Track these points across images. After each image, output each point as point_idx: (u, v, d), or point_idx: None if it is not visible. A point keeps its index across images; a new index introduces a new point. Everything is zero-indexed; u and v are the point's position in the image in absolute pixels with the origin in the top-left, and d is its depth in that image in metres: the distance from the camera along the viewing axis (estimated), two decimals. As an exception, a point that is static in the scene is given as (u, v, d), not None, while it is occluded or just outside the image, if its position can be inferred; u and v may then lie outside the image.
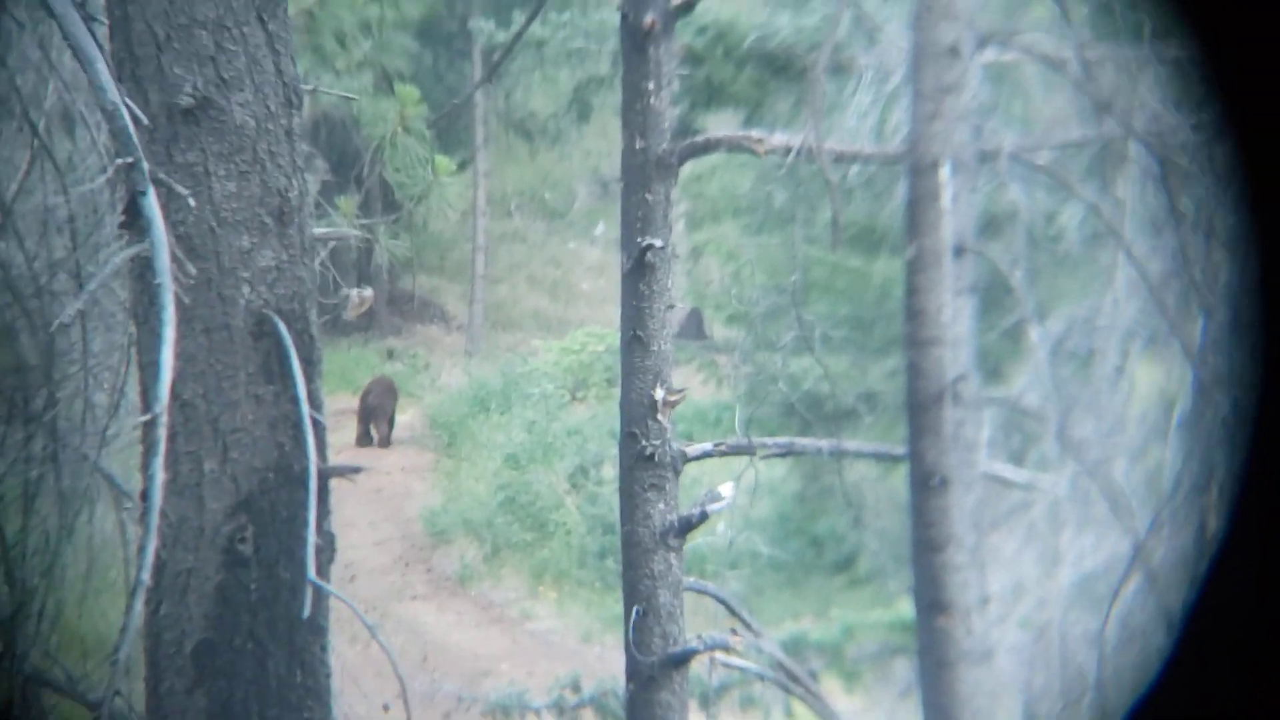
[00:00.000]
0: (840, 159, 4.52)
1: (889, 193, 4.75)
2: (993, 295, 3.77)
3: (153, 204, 3.51)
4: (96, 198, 5.35)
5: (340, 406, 14.80)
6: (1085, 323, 3.83)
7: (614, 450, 5.33)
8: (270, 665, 4.33)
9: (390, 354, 18.27)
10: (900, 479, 3.96)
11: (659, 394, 4.69)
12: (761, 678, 4.94)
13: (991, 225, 3.90)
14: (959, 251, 3.59)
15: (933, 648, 3.65)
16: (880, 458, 5.53)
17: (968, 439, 3.60)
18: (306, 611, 4.16)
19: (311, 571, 4.20)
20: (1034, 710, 3.85)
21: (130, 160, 3.45)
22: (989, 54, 3.69)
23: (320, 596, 4.38)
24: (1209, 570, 3.21)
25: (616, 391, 4.90)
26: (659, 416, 4.71)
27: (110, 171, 3.80)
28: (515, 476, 14.33)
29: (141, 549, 3.46)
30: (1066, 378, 3.82)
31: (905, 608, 7.08)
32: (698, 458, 4.93)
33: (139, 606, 3.52)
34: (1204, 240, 3.37)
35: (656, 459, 4.74)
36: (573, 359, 17.21)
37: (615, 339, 5.18)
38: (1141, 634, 3.41)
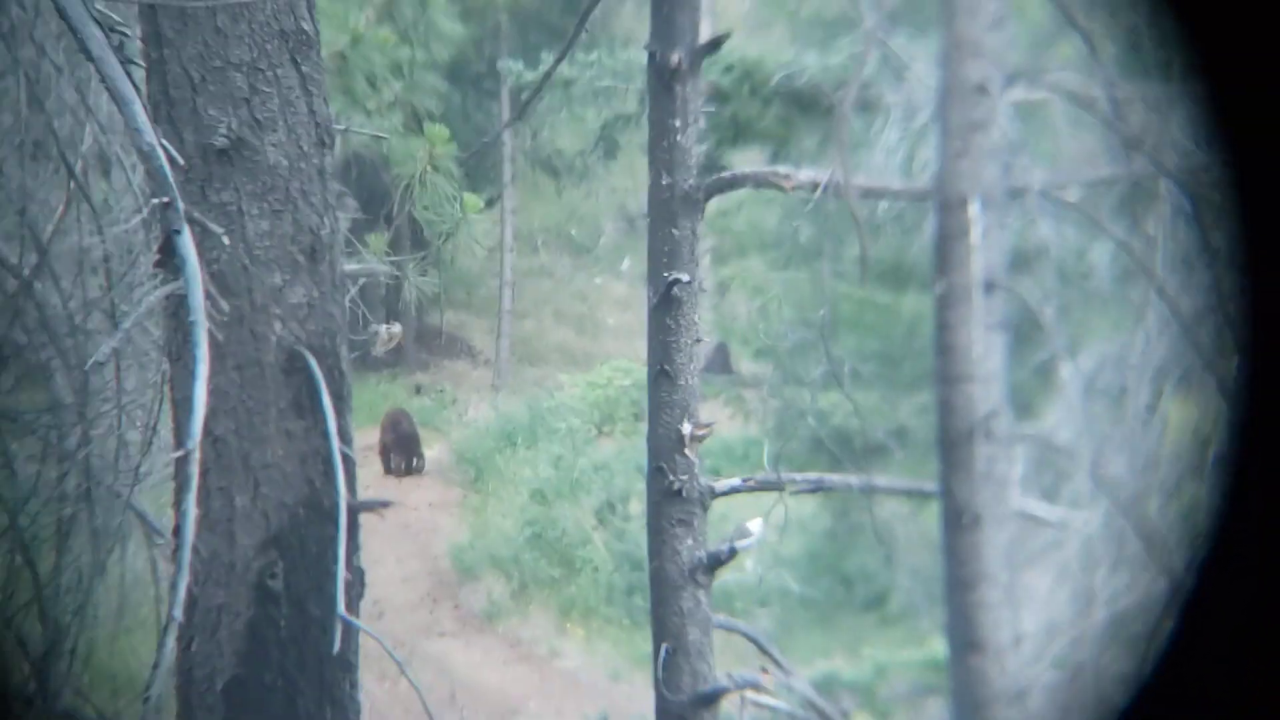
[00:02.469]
0: (868, 195, 4.52)
1: (917, 228, 4.74)
2: (1023, 331, 3.76)
3: (188, 243, 3.55)
4: (131, 238, 5.42)
5: (369, 441, 14.86)
6: (1117, 360, 3.81)
7: (641, 485, 5.32)
8: (300, 702, 4.33)
9: (418, 389, 18.34)
10: (932, 516, 3.93)
11: (686, 428, 4.68)
12: (793, 717, 4.89)
13: (1021, 261, 3.89)
14: (989, 287, 3.57)
15: (966, 687, 3.61)
16: (911, 494, 5.49)
17: (1000, 476, 3.58)
18: (336, 647, 4.17)
19: (341, 607, 4.20)
20: (1069, 751, 3.80)
21: (166, 200, 3.50)
22: (1017, 92, 3.69)
23: (350, 632, 4.38)
24: (1245, 606, 3.17)
25: (643, 426, 4.90)
26: (686, 451, 4.70)
27: (145, 211, 3.86)
28: (542, 512, 14.32)
29: (174, 585, 3.47)
30: (1099, 415, 3.80)
31: (938, 646, 7.01)
32: (726, 493, 4.91)
33: (171, 643, 3.52)
34: (1238, 278, 3.35)
35: (684, 494, 4.72)
36: (599, 393, 17.21)
37: (642, 373, 5.18)
38: (1178, 674, 3.36)
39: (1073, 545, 3.81)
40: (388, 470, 15.61)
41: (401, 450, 15.71)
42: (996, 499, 3.59)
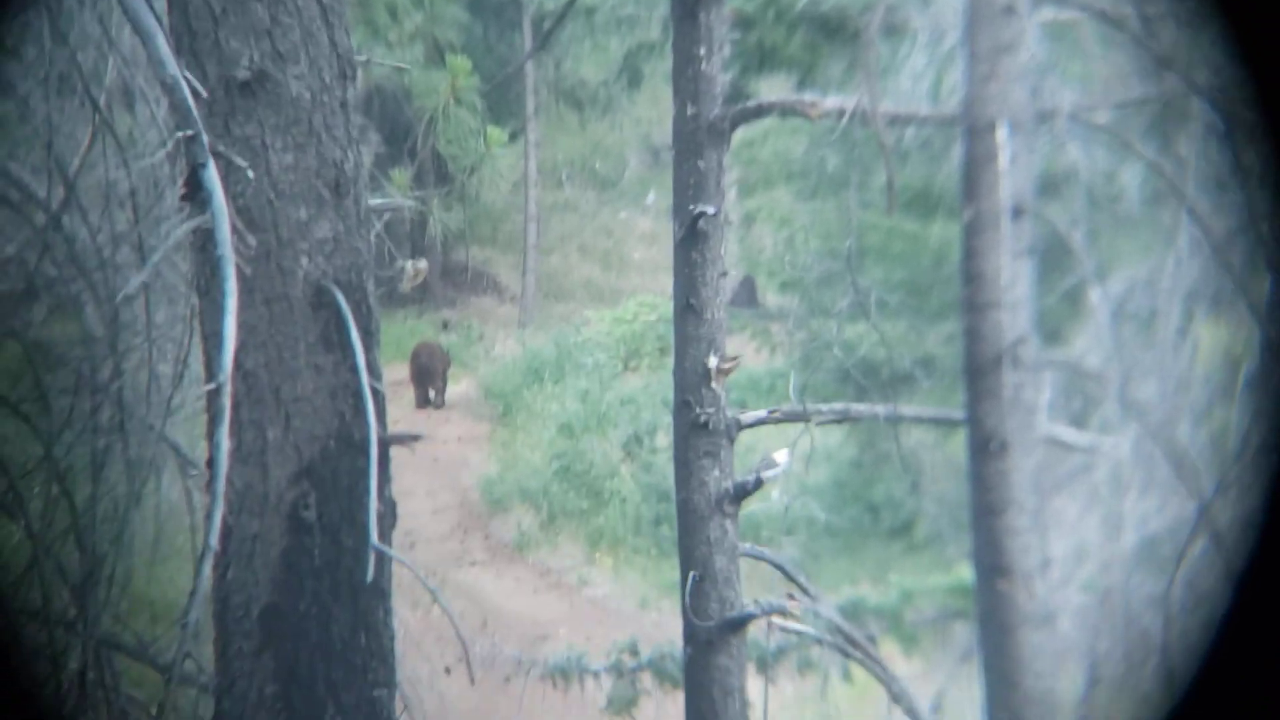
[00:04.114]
0: (895, 121, 4.46)
1: (945, 155, 4.69)
2: (1052, 257, 3.73)
3: (213, 176, 3.56)
4: (157, 171, 5.43)
5: (397, 377, 14.98)
6: (1147, 283, 3.77)
7: (668, 419, 5.33)
8: (335, 629, 4.40)
9: (445, 325, 18.42)
10: (958, 444, 3.93)
11: (713, 362, 4.68)
12: (819, 642, 4.94)
13: (1050, 186, 3.84)
14: (1017, 213, 3.54)
15: (993, 612, 3.64)
16: (938, 422, 5.49)
17: (1027, 402, 3.57)
18: (370, 576, 4.22)
19: (374, 537, 4.25)
20: (1098, 674, 3.83)
21: (190, 133, 3.50)
22: (1046, 12, 3.63)
23: (382, 562, 4.44)
24: (1274, 532, 3.16)
25: (669, 360, 4.91)
26: (713, 384, 4.71)
27: (170, 145, 3.84)
28: (570, 445, 14.42)
29: (208, 516, 3.53)
30: (1128, 339, 3.77)
31: (964, 572, 7.05)
32: (752, 425, 4.93)
33: (206, 571, 3.59)
34: (1271, 197, 3.31)
35: (711, 426, 4.74)
36: (625, 328, 17.24)
37: (668, 308, 5.17)
38: (1208, 597, 3.38)
39: (1102, 470, 3.81)
40: (423, 401, 15.84)
41: (418, 382, 15.92)
42: (1024, 425, 3.58)
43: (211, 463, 3.53)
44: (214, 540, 3.43)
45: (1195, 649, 3.37)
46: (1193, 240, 3.68)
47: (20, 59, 5.14)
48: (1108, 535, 3.75)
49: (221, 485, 3.49)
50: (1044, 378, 3.68)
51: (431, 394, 16.02)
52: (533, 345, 17.63)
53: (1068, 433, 3.83)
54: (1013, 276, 3.56)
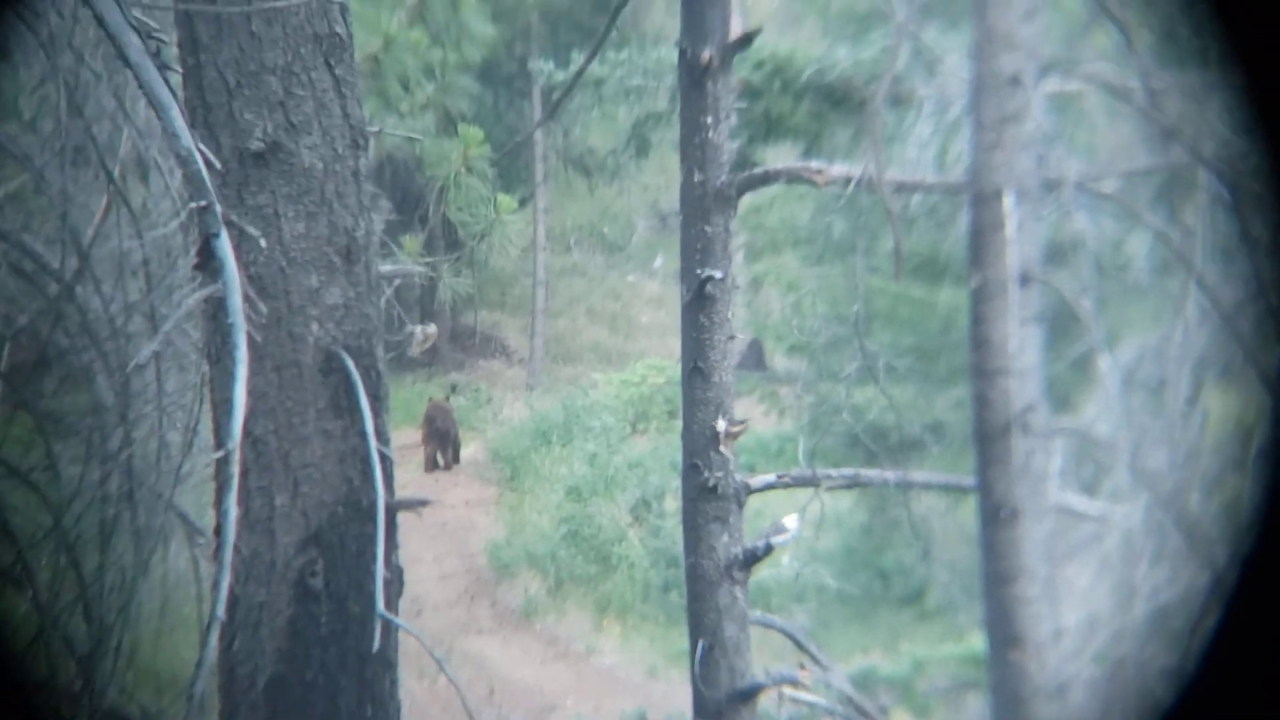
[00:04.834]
0: (901, 189, 4.50)
1: (951, 222, 4.72)
2: (1060, 324, 3.73)
3: (225, 246, 3.58)
4: (170, 241, 5.48)
5: (405, 441, 14.96)
6: (1156, 351, 3.77)
7: (676, 483, 5.31)
8: (341, 700, 4.37)
9: (453, 388, 18.45)
10: (969, 510, 3.91)
11: (721, 425, 4.67)
12: (831, 713, 4.88)
13: (1057, 254, 3.86)
14: (1025, 280, 3.55)
15: (1005, 682, 3.59)
16: (948, 489, 5.46)
17: (1037, 470, 3.55)
18: (376, 645, 4.19)
19: (381, 605, 4.23)
20: (1111, 746, 3.77)
21: (204, 204, 3.53)
22: (1052, 83, 3.66)
23: (389, 630, 4.41)
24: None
25: (677, 423, 4.90)
26: (721, 448, 4.70)
27: (184, 215, 3.90)
28: (578, 509, 14.36)
29: (216, 584, 3.50)
30: (1138, 407, 3.76)
31: (976, 641, 6.98)
32: (761, 489, 4.90)
33: (213, 641, 3.56)
34: (1279, 267, 3.31)
35: (719, 491, 4.72)
36: (633, 391, 17.25)
37: (675, 371, 5.18)
38: (1221, 668, 3.33)
39: (1113, 539, 3.78)
40: (433, 464, 15.83)
41: (430, 442, 15.92)
42: (1035, 493, 3.56)
43: (219, 531, 3.53)
44: (220, 610, 3.41)
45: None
46: (1201, 309, 3.68)
47: (37, 132, 5.22)
48: (1120, 605, 3.72)
49: (229, 554, 3.48)
50: (1054, 445, 3.66)
51: (440, 460, 15.99)
52: (540, 408, 17.63)
53: (1079, 501, 3.80)
54: (1021, 343, 3.56)
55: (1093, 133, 4.08)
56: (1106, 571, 3.78)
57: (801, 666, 4.87)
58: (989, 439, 3.60)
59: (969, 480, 3.85)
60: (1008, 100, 3.55)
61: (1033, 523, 3.55)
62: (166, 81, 3.45)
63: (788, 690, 4.80)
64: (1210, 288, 3.62)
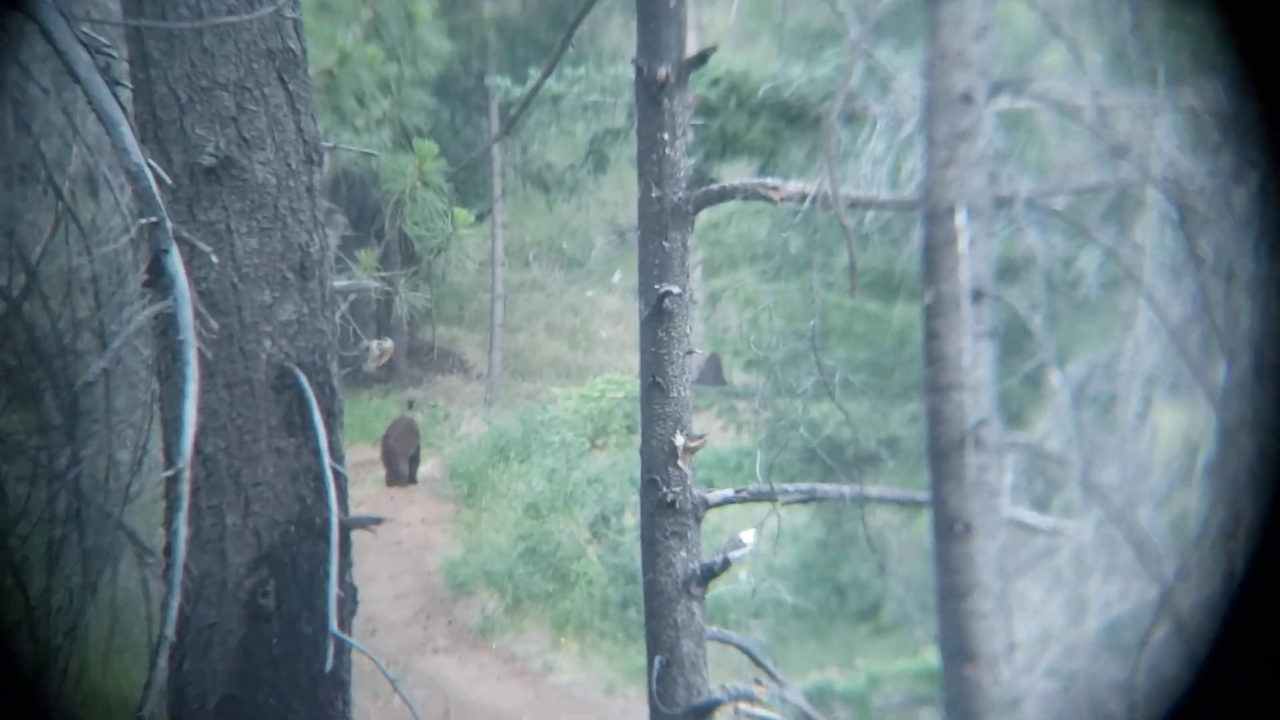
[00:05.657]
0: (856, 205, 4.53)
1: (905, 239, 4.75)
2: (1012, 340, 3.76)
3: (176, 262, 3.55)
4: (120, 258, 5.42)
5: (361, 458, 14.83)
6: (1106, 367, 3.82)
7: (635, 498, 5.31)
8: (293, 721, 4.32)
9: (410, 404, 18.31)
10: (924, 525, 3.93)
11: (679, 440, 4.68)
12: (787, 729, 4.88)
13: (1009, 270, 3.90)
14: (977, 296, 3.58)
15: (960, 697, 3.61)
16: (903, 503, 5.50)
17: (990, 485, 3.58)
18: (329, 665, 4.15)
19: (334, 624, 4.19)
20: (1064, 760, 3.80)
21: (154, 220, 3.49)
22: (1003, 101, 3.70)
23: (342, 650, 4.37)
24: (1236, 616, 3.17)
25: (636, 438, 4.90)
26: (679, 463, 4.70)
27: (133, 231, 3.86)
28: (536, 526, 14.29)
29: (165, 605, 3.46)
30: (1089, 423, 3.81)
31: (931, 656, 7.01)
32: (719, 504, 4.91)
33: (163, 663, 3.51)
34: (1225, 285, 3.36)
35: (678, 506, 4.72)
36: (592, 406, 17.21)
37: (634, 386, 5.18)
38: (1171, 681, 3.37)
39: (1064, 553, 3.81)
40: (393, 479, 15.71)
41: (388, 460, 15.80)
42: (987, 508, 3.59)
43: (169, 550, 3.48)
44: (170, 631, 3.36)
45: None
46: (1150, 325, 3.73)
47: (-17, 149, 5.15)
48: (1072, 620, 3.75)
49: (179, 574, 3.43)
50: (1007, 460, 3.69)
51: (390, 473, 15.87)
52: (499, 424, 17.55)
53: (1031, 516, 3.83)
54: (974, 358, 3.59)
55: (1043, 150, 4.13)
56: (1059, 586, 3.81)
57: (758, 682, 4.88)
58: (943, 454, 3.63)
59: (923, 495, 3.87)
60: (960, 118, 3.59)
61: (986, 538, 3.58)
62: (116, 97, 3.41)
63: (744, 706, 4.80)
64: (1159, 304, 3.67)
